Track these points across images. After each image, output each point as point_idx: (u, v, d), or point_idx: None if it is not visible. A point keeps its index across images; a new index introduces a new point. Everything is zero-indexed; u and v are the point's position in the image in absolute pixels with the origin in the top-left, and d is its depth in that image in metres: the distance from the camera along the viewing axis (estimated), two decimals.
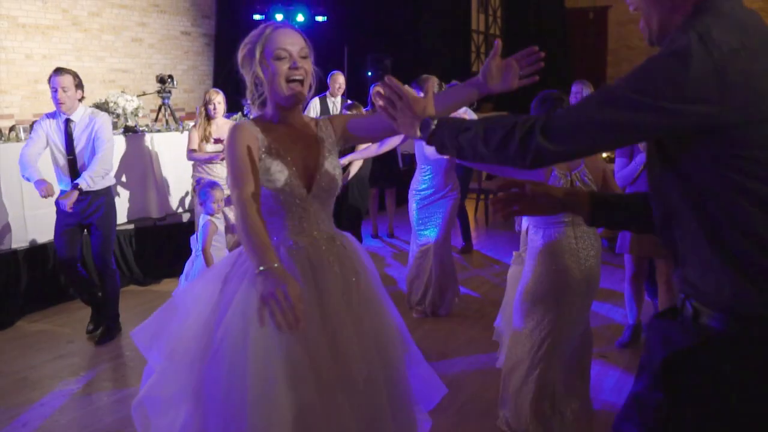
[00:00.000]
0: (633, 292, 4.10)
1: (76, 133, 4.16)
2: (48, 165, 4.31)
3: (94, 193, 4.20)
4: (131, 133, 5.78)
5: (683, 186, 1.34)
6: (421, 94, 1.68)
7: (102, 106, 5.89)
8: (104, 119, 4.25)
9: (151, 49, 9.24)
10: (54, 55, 8.00)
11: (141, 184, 5.84)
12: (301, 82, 1.92)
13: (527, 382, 2.87)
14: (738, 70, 1.22)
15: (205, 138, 5.13)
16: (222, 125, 5.12)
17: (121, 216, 5.71)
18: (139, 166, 5.83)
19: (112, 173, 4.40)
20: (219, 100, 5.11)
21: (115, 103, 5.84)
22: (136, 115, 5.98)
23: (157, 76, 6.92)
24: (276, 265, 1.64)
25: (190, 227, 6.23)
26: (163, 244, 5.89)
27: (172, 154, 6.03)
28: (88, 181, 4.10)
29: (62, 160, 4.20)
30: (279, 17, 9.53)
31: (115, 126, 5.82)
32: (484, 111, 10.13)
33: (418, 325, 4.49)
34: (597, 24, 13.57)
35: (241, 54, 1.98)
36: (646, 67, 1.29)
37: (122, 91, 6.71)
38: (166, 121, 6.77)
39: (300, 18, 9.71)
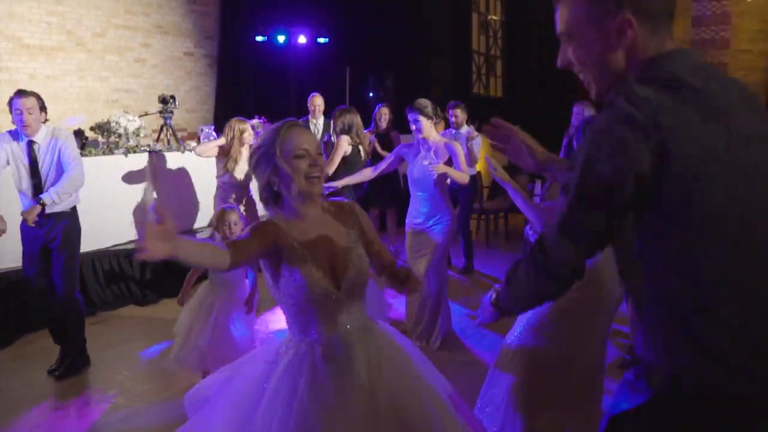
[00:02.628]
0: None
1: (40, 155, 4.00)
2: (10, 187, 4.14)
3: (56, 216, 4.05)
4: (132, 153, 5.81)
5: (641, 244, 1.31)
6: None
7: (104, 126, 5.92)
8: (68, 137, 4.10)
9: (154, 69, 9.31)
10: (57, 75, 8.07)
11: (141, 203, 5.84)
12: (319, 177, 1.99)
13: (546, 408, 2.78)
14: (676, 138, 1.19)
15: (234, 162, 5.29)
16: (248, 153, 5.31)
17: (121, 236, 5.72)
18: (140, 185, 5.84)
19: (80, 192, 4.22)
20: (249, 129, 5.34)
21: (117, 123, 5.87)
22: (138, 135, 6.01)
23: (159, 97, 6.97)
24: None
25: None
26: (164, 264, 5.88)
27: (172, 173, 6.05)
28: (53, 197, 3.92)
29: (26, 183, 4.01)
30: (281, 39, 9.62)
31: (116, 146, 5.85)
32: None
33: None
34: None
35: (255, 156, 2.02)
36: (589, 144, 1.26)
37: (125, 111, 6.76)
38: (168, 141, 6.81)
39: (302, 39, 9.78)
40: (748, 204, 1.22)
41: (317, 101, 6.74)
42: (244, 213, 5.46)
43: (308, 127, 6.80)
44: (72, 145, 4.12)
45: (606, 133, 1.23)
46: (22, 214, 3.96)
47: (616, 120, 1.22)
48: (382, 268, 2.21)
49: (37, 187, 4.01)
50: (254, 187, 5.38)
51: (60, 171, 4.03)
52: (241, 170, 5.40)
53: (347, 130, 5.32)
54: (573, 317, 2.79)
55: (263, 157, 1.99)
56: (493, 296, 1.69)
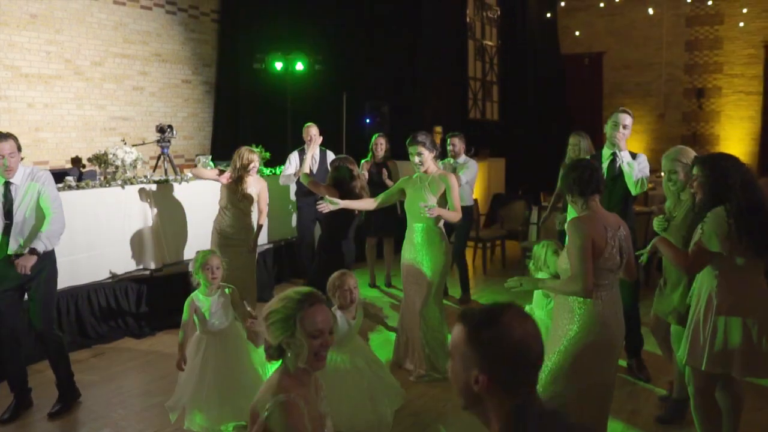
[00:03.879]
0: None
1: (17, 197, 3.90)
2: None
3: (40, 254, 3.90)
4: (129, 184, 5.81)
5: None
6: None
7: (101, 158, 5.93)
8: (47, 180, 4.00)
9: (152, 97, 9.36)
10: (55, 103, 8.11)
11: (138, 235, 5.84)
12: (326, 354, 2.12)
13: None
14: None
15: (237, 192, 5.24)
16: (253, 182, 5.28)
17: (118, 267, 5.71)
18: (137, 217, 5.84)
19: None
20: (256, 161, 5.29)
21: (114, 155, 5.88)
22: (135, 167, 6.02)
23: (156, 126, 6.99)
24: None
25: (187, 277, 6.21)
26: (161, 296, 5.87)
27: (169, 204, 6.05)
28: (46, 243, 3.87)
29: None
30: (278, 65, 9.67)
31: (113, 177, 5.85)
32: (482, 156, 10.20)
33: (413, 383, 4.44)
34: (592, 69, 13.79)
35: (273, 318, 2.10)
36: None
37: (123, 140, 6.78)
38: (165, 170, 6.81)
39: (299, 66, 9.84)
40: None
41: (312, 131, 6.63)
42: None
43: (303, 157, 6.79)
44: (52, 183, 4.04)
45: None
46: (18, 262, 3.80)
47: None
48: None
49: (7, 229, 3.89)
50: (254, 213, 5.40)
51: (35, 214, 3.94)
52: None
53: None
54: (587, 359, 2.85)
55: (282, 323, 2.07)
56: None
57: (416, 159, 4.50)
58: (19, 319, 4.14)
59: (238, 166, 5.20)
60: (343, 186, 4.91)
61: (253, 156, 5.24)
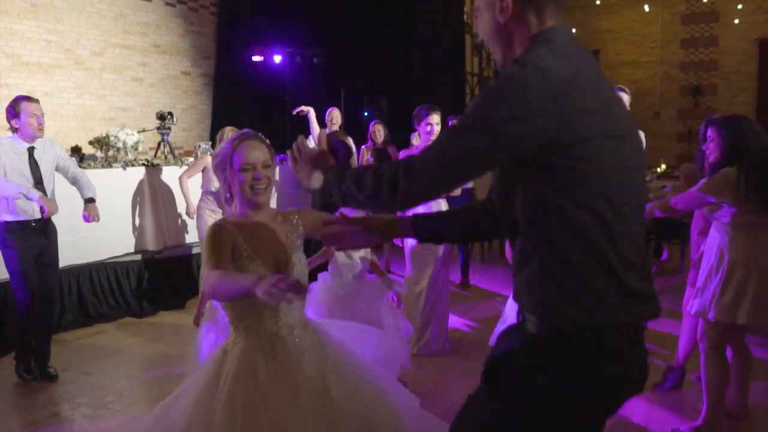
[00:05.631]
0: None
1: (41, 159, 4.08)
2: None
3: (49, 221, 4.14)
4: (131, 166, 5.84)
5: (528, 201, 1.46)
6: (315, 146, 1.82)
7: (102, 141, 5.96)
8: (58, 145, 4.31)
9: (151, 88, 9.39)
10: (55, 92, 8.13)
11: (139, 216, 5.87)
12: (264, 188, 2.19)
13: None
14: (570, 95, 1.36)
15: None
16: None
17: (119, 248, 5.73)
18: (137, 199, 5.87)
19: (78, 205, 4.40)
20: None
21: (115, 137, 5.91)
22: (136, 149, 6.05)
23: (157, 113, 7.03)
24: (260, 275, 1.83)
25: (187, 260, 6.25)
26: (161, 277, 5.89)
27: (170, 187, 6.08)
28: (94, 191, 4.28)
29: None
30: (277, 59, 9.72)
31: (115, 159, 5.88)
32: None
33: (413, 358, 4.47)
34: None
35: (214, 162, 2.27)
36: (487, 95, 1.42)
37: (123, 127, 6.81)
38: (165, 157, 6.85)
39: (298, 59, 9.89)
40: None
41: (335, 114, 6.95)
42: None
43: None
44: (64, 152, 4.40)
45: (506, 90, 1.39)
46: (91, 214, 4.21)
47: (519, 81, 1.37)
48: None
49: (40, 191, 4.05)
50: None
51: (53, 178, 4.19)
52: None
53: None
54: None
55: (220, 166, 2.23)
56: (323, 177, 1.73)
57: (434, 128, 4.45)
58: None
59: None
60: (338, 159, 4.96)
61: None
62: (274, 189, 2.28)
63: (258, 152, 2.18)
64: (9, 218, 3.98)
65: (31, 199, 3.94)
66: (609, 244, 1.39)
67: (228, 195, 2.25)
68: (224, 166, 2.20)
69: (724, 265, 3.12)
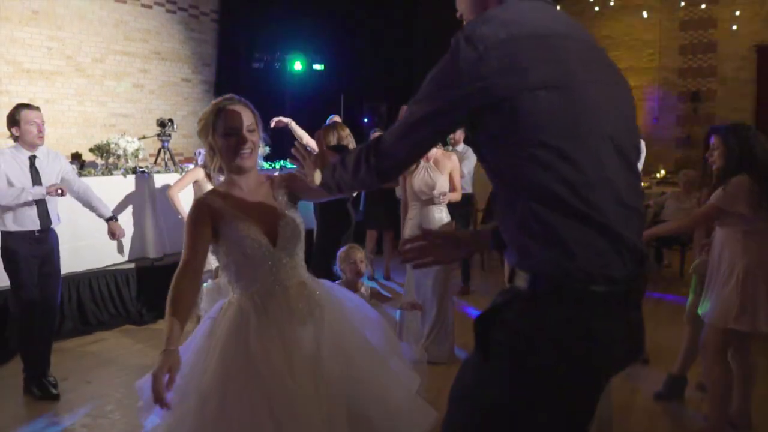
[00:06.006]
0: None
1: (43, 169, 4.04)
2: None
3: (52, 230, 4.14)
4: (131, 173, 5.85)
5: (487, 165, 1.53)
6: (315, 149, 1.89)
7: (103, 148, 5.97)
8: (64, 158, 4.32)
9: (152, 95, 9.41)
10: (56, 99, 8.15)
11: (139, 224, 5.88)
12: (249, 153, 2.15)
13: None
14: (497, 57, 1.40)
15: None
16: None
17: (119, 255, 5.74)
18: (138, 206, 5.88)
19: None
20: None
21: (116, 144, 5.92)
22: (137, 156, 6.06)
23: (157, 120, 7.04)
24: (172, 348, 1.85)
25: None
26: (161, 285, 5.87)
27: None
28: (108, 208, 4.49)
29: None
30: (277, 65, 9.76)
31: (115, 167, 5.90)
32: None
33: (417, 365, 4.47)
34: None
35: (198, 127, 2.21)
36: (435, 68, 1.51)
37: (123, 134, 6.82)
38: (165, 164, 6.85)
39: (298, 66, 9.92)
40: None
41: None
42: None
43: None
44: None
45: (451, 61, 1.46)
46: (116, 233, 4.46)
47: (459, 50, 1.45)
48: None
49: (41, 202, 4.02)
50: None
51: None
52: None
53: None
54: None
55: (203, 131, 2.18)
56: (323, 174, 1.81)
57: None
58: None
59: None
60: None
61: None
62: (260, 152, 2.26)
63: (242, 116, 2.15)
64: (12, 228, 3.98)
65: (36, 196, 3.93)
66: (568, 192, 1.39)
67: (214, 167, 2.22)
68: (207, 131, 2.16)
69: (736, 273, 3.13)
